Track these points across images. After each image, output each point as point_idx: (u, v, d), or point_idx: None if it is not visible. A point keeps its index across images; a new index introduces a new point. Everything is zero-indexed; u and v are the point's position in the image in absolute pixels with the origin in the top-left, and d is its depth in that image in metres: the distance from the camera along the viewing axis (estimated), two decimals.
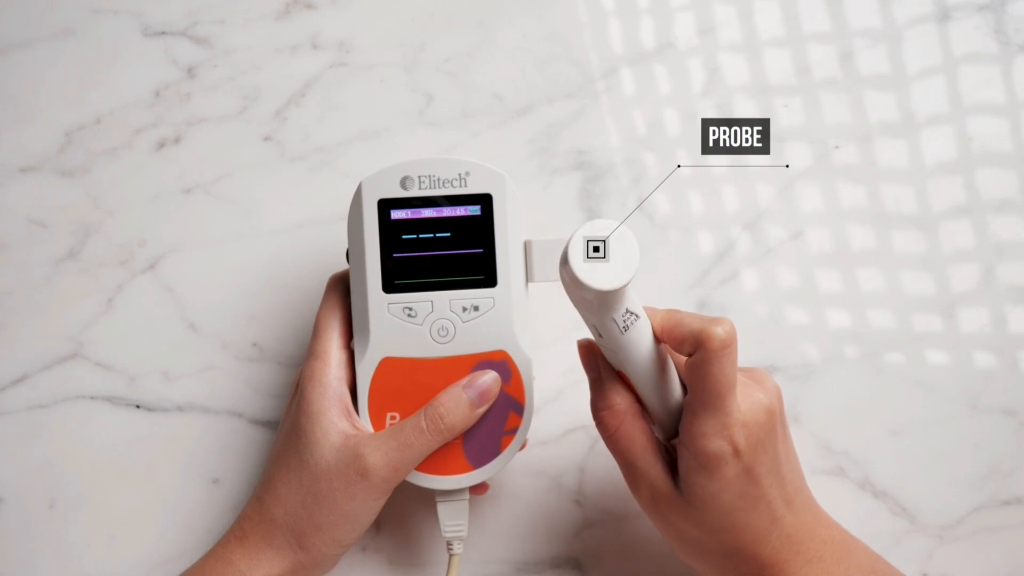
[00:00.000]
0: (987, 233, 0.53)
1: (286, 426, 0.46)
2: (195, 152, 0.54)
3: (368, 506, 0.43)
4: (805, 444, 0.52)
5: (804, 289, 0.53)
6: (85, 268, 0.53)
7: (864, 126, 0.54)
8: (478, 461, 0.45)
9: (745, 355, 0.52)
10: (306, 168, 0.54)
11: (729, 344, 0.39)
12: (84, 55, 0.54)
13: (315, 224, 0.54)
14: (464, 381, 0.44)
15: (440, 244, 0.44)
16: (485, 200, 0.44)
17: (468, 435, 0.45)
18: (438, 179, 0.44)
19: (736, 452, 0.39)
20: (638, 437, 0.41)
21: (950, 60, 0.54)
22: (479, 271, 0.44)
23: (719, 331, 0.39)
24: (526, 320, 0.45)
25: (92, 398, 0.52)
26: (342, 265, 0.48)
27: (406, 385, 0.44)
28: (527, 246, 0.45)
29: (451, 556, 0.47)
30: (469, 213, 0.44)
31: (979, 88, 0.54)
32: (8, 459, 0.52)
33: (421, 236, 0.44)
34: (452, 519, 0.46)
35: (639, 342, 0.40)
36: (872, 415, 0.52)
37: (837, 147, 0.54)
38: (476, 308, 0.44)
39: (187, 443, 0.52)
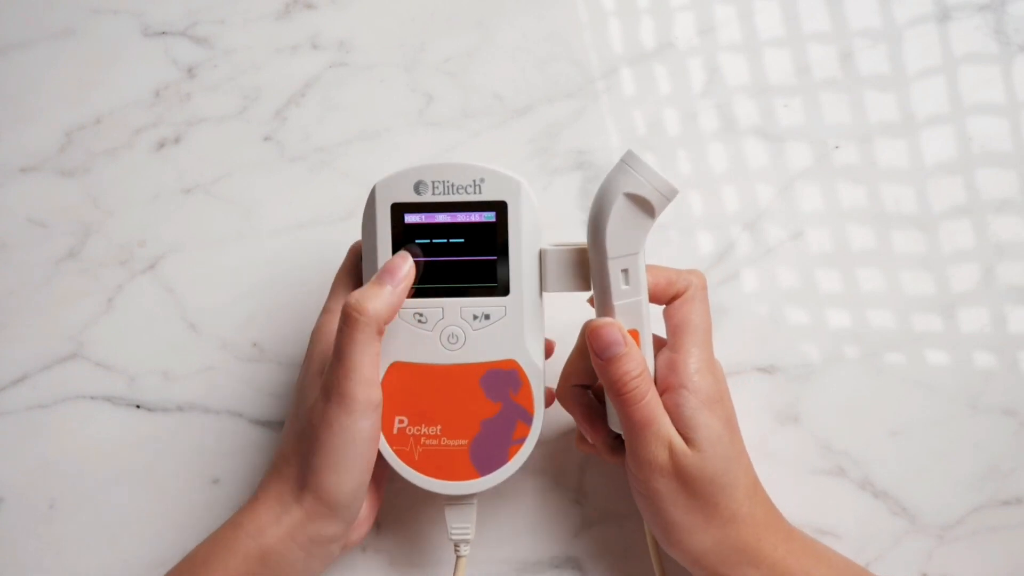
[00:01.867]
0: (987, 233, 0.53)
1: (296, 386, 0.46)
2: (195, 152, 0.54)
3: (350, 434, 0.42)
4: (805, 444, 0.52)
5: (804, 289, 0.53)
6: (85, 268, 0.53)
7: (864, 126, 0.54)
8: (485, 469, 0.45)
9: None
10: (306, 168, 0.54)
11: (706, 286, 0.45)
12: (84, 55, 0.54)
13: (315, 224, 0.54)
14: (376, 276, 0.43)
15: (453, 250, 0.44)
16: (500, 207, 0.44)
17: (475, 442, 0.44)
18: (452, 185, 0.44)
19: (721, 394, 0.43)
20: (658, 399, 0.42)
21: (950, 60, 0.54)
22: (492, 279, 0.44)
23: (697, 277, 0.44)
24: (538, 329, 0.45)
25: (92, 398, 0.52)
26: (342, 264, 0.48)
27: (415, 390, 0.44)
28: (543, 255, 0.44)
29: (458, 558, 0.47)
30: (484, 219, 0.44)
31: (979, 88, 0.54)
32: (8, 459, 0.52)
33: (434, 241, 0.44)
34: (459, 522, 0.46)
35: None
36: (872, 415, 0.52)
37: (837, 147, 0.54)
38: (487, 316, 0.44)
39: (187, 443, 0.52)
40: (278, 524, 0.43)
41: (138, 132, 0.54)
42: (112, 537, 0.51)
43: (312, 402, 0.43)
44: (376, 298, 0.42)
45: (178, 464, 0.52)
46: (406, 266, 0.43)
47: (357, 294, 0.42)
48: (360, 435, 0.42)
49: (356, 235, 0.46)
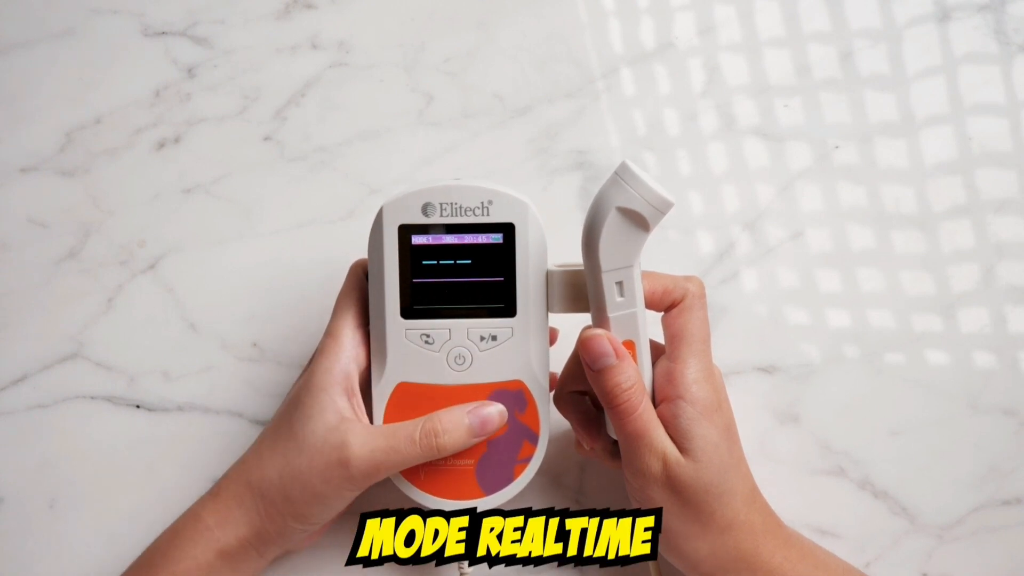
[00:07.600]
0: (987, 233, 0.53)
1: (290, 396, 0.46)
2: (195, 152, 0.54)
3: (340, 494, 0.43)
4: (805, 444, 0.52)
5: (804, 289, 0.53)
6: (85, 268, 0.53)
7: (864, 126, 0.54)
8: (490, 488, 0.45)
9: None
10: (306, 168, 0.54)
11: (704, 293, 0.44)
12: (84, 55, 0.54)
13: (315, 224, 0.54)
14: (470, 406, 0.44)
15: (460, 271, 0.44)
16: (508, 229, 0.43)
17: (481, 461, 0.45)
18: (460, 207, 0.43)
19: (719, 403, 0.43)
20: (652, 410, 0.42)
21: (950, 60, 0.54)
22: (499, 300, 0.44)
23: (695, 284, 0.44)
24: (544, 349, 0.45)
25: (92, 398, 0.52)
26: (342, 265, 0.48)
27: (421, 410, 0.44)
28: (549, 276, 0.44)
29: (461, 574, 0.47)
30: (491, 241, 0.44)
31: (979, 88, 0.54)
32: (8, 459, 0.52)
33: (441, 262, 0.44)
34: None
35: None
36: (872, 415, 0.52)
37: (837, 147, 0.54)
38: (494, 338, 0.44)
39: (187, 443, 0.52)
40: (236, 528, 0.44)
41: (138, 132, 0.54)
42: (112, 537, 0.51)
43: (315, 440, 0.43)
44: (457, 443, 0.43)
45: (178, 464, 0.52)
46: (499, 423, 0.44)
47: (444, 427, 0.43)
48: (349, 498, 0.44)
49: (355, 234, 0.46)
